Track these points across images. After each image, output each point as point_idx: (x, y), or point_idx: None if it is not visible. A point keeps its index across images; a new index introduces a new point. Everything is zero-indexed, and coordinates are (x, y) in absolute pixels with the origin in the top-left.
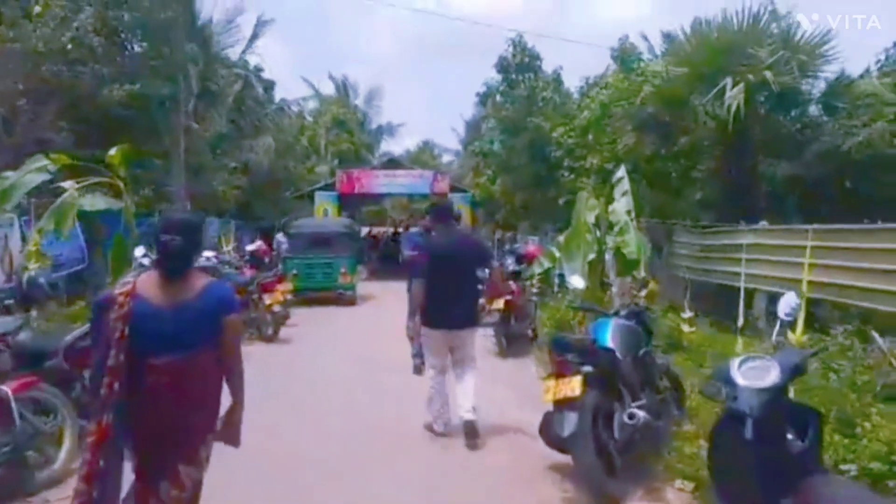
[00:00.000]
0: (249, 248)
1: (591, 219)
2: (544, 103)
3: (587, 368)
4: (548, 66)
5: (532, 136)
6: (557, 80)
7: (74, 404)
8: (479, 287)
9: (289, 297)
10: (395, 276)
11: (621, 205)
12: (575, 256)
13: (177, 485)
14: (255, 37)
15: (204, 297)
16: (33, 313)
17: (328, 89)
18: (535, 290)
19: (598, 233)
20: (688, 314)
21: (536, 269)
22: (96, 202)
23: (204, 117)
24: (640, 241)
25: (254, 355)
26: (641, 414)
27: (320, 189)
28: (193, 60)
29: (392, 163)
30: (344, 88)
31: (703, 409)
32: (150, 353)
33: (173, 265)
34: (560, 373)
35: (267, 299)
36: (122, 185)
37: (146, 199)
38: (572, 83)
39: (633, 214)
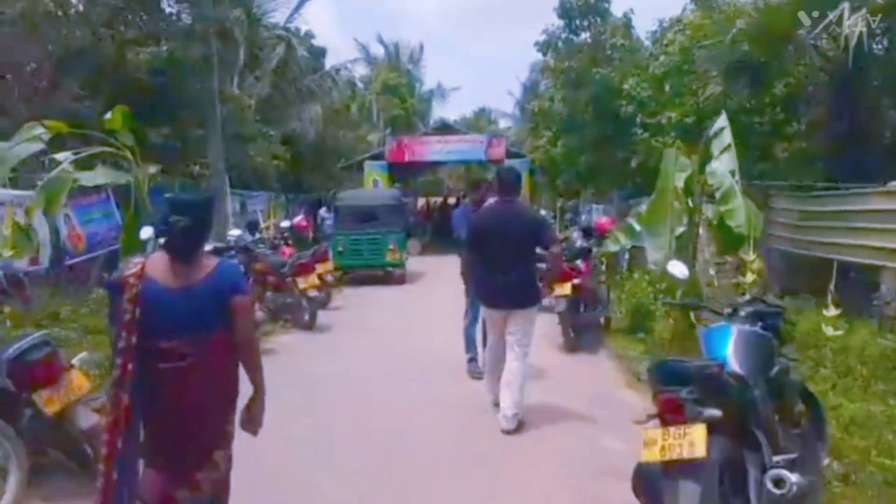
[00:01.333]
0: (284, 223)
1: (680, 183)
2: (613, 51)
3: (712, 412)
4: (616, 9)
5: (598, 90)
6: (627, 24)
7: (23, 433)
8: (541, 265)
9: (330, 277)
10: (449, 250)
11: (722, 164)
12: (660, 230)
13: (212, 468)
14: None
15: (213, 279)
16: None
17: (379, 54)
18: (603, 270)
19: (689, 200)
20: (832, 311)
21: (611, 246)
22: (97, 176)
23: (244, 84)
24: (750, 211)
25: (284, 347)
26: (793, 478)
27: (369, 158)
28: (229, 21)
29: (444, 128)
30: (396, 52)
31: (846, 444)
32: (161, 336)
33: (181, 247)
34: (668, 414)
35: (301, 282)
36: (129, 154)
37: (184, 171)
38: (643, 29)
39: (737, 175)
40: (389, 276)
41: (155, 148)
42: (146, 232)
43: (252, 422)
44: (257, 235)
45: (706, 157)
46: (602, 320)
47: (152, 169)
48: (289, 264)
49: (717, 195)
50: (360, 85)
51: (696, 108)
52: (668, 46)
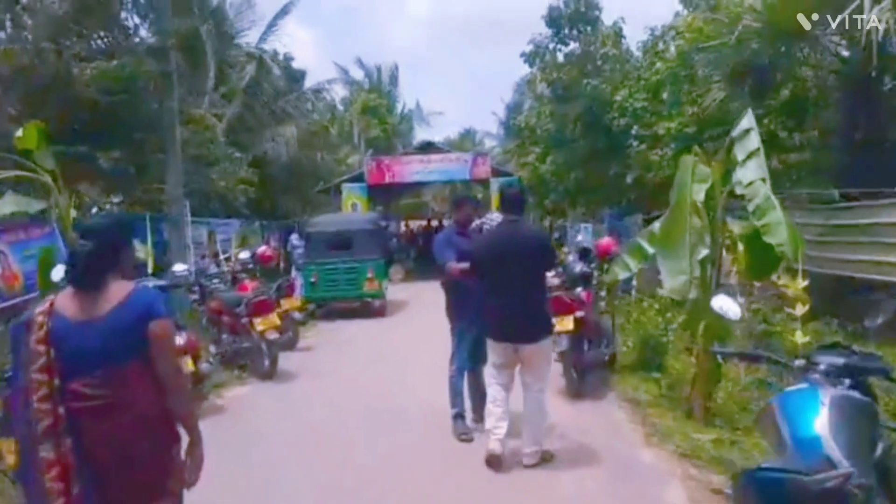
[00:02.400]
0: (243, 255)
1: (700, 196)
2: (604, 61)
3: None
4: (606, 18)
5: (588, 102)
6: (618, 34)
7: None
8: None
9: (297, 315)
10: (433, 276)
11: (750, 171)
12: (678, 252)
13: None
14: (277, 19)
15: (124, 308)
16: None
17: (358, 77)
18: (603, 297)
19: (708, 216)
20: None
21: (621, 273)
22: (3, 204)
23: (212, 104)
24: (791, 227)
25: (236, 402)
26: None
27: (348, 181)
28: (193, 36)
29: (427, 147)
30: (378, 75)
31: None
32: (70, 374)
33: (83, 274)
34: None
35: (259, 324)
36: (48, 178)
37: (139, 198)
38: (632, 39)
39: (768, 183)
40: (368, 307)
41: (106, 173)
42: (59, 272)
43: (189, 470)
44: (222, 267)
45: (728, 165)
46: (607, 357)
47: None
48: (244, 302)
49: (750, 208)
50: (340, 107)
51: (696, 116)
52: (664, 52)
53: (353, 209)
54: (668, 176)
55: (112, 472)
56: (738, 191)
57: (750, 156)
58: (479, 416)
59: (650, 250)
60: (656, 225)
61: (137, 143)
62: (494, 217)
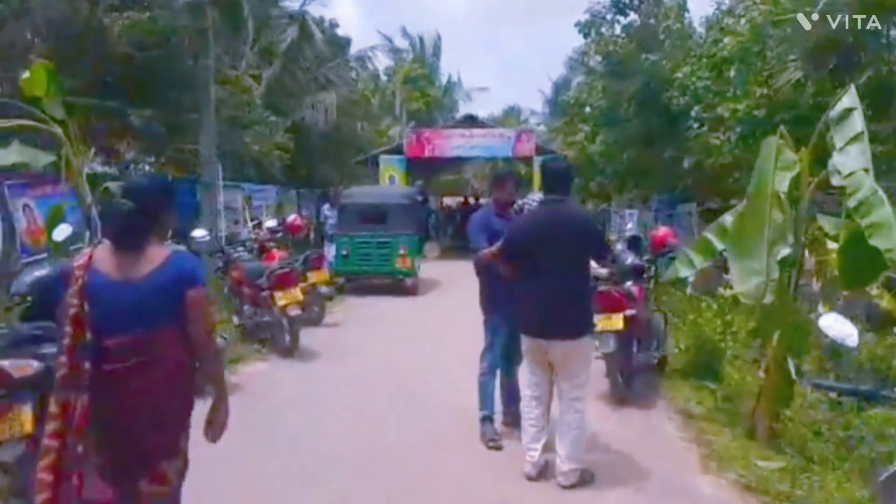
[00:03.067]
0: (270, 223)
1: (783, 186)
2: (666, 35)
3: None
4: None
5: (646, 79)
6: (682, 6)
7: None
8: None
9: (324, 289)
10: (469, 256)
11: (851, 159)
12: (754, 250)
13: (158, 479)
14: None
15: (164, 271)
16: None
17: (403, 46)
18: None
19: (792, 210)
20: None
21: (683, 269)
22: (8, 154)
23: (249, 66)
24: None
25: (251, 380)
26: None
27: (386, 152)
28: None
29: (469, 121)
30: (420, 45)
31: None
32: (106, 331)
33: (122, 234)
34: None
35: (280, 297)
36: (59, 130)
37: (170, 157)
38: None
39: (871, 173)
40: (399, 285)
41: (137, 131)
42: (61, 231)
43: (214, 427)
44: (251, 234)
45: (820, 152)
46: (657, 360)
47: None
48: (267, 273)
49: (851, 203)
50: (383, 77)
51: (767, 98)
52: (732, 26)
53: (391, 182)
54: (729, 162)
55: (136, 429)
56: (836, 181)
57: (851, 140)
58: (512, 418)
59: (720, 246)
60: (727, 217)
61: (171, 102)
62: (537, 197)
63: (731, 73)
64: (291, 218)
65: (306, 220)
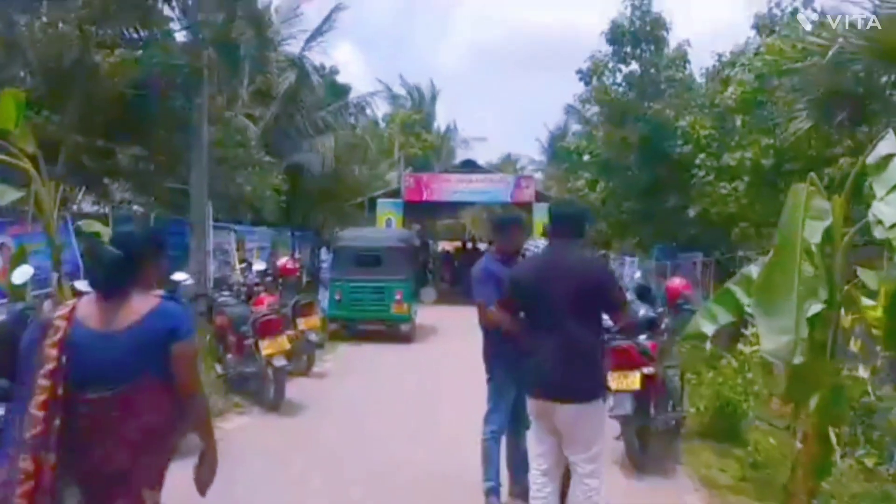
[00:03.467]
0: (258, 266)
1: (815, 237)
2: (668, 84)
3: None
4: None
5: (648, 127)
6: (683, 57)
7: None
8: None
9: (314, 336)
10: (467, 301)
11: (893, 208)
12: (782, 305)
13: None
14: (320, 30)
15: (148, 322)
16: None
17: (400, 93)
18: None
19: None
20: None
21: (704, 325)
22: None
23: (248, 105)
24: None
25: (228, 439)
26: None
27: (383, 196)
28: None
29: (468, 165)
30: (418, 94)
31: None
32: (85, 385)
33: (104, 282)
34: None
35: (265, 346)
36: (27, 164)
37: (159, 197)
38: (695, 65)
39: None
40: (395, 330)
41: (125, 170)
42: (22, 273)
43: (201, 479)
44: (239, 278)
45: (855, 199)
46: (674, 423)
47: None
48: (252, 320)
49: None
50: (381, 124)
51: (773, 147)
52: (735, 77)
53: (388, 225)
54: (735, 212)
55: (105, 485)
56: (879, 234)
57: (893, 189)
58: (521, 490)
59: (745, 300)
60: (752, 269)
61: (162, 140)
62: (540, 244)
63: (737, 123)
64: (283, 261)
65: (299, 262)
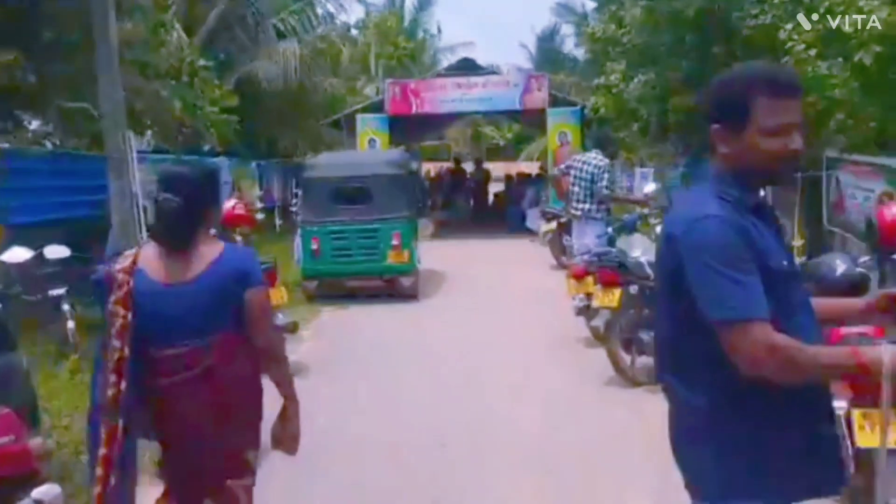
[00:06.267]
0: None
1: None
2: None
3: None
4: None
5: (706, 5)
6: None
7: None
8: None
9: (280, 318)
10: (471, 231)
11: None
12: None
13: (226, 500)
14: None
15: (216, 269)
16: None
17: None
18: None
19: None
20: None
21: None
22: None
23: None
24: None
25: None
26: None
27: (363, 110)
28: None
29: (465, 66)
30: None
31: None
32: (158, 343)
33: (173, 233)
34: None
35: None
36: None
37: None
38: None
39: None
40: (393, 286)
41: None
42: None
43: (286, 438)
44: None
45: None
46: None
47: None
48: None
49: None
50: (354, 32)
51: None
52: None
53: (371, 146)
54: (833, 103)
55: (198, 448)
56: None
57: None
58: None
59: None
60: None
61: (49, 44)
62: (590, 158)
63: None
64: (229, 204)
65: (249, 206)
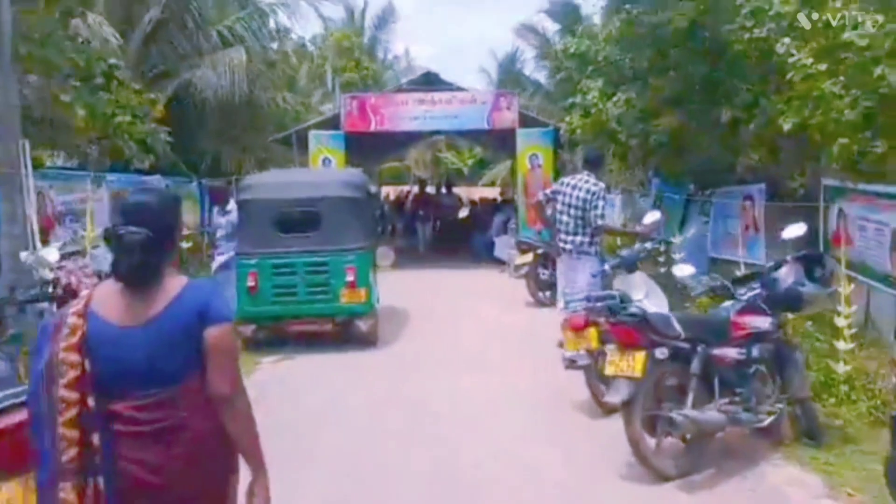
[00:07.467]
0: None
1: None
2: None
3: None
4: None
5: (694, 17)
6: None
7: None
8: None
9: None
10: (440, 260)
11: None
12: None
13: None
14: None
15: (178, 306)
16: None
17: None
18: None
19: None
20: None
21: None
22: None
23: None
24: None
25: None
26: None
27: (316, 126)
28: None
29: (430, 81)
30: (362, 13)
31: None
32: (114, 393)
33: (138, 270)
34: None
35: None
36: None
37: None
38: None
39: None
40: (347, 330)
41: None
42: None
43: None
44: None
45: None
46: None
47: None
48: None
49: None
50: (310, 47)
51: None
52: None
53: (325, 166)
54: (837, 125)
55: None
56: None
57: None
58: None
59: None
60: None
61: None
62: (577, 182)
63: None
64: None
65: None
